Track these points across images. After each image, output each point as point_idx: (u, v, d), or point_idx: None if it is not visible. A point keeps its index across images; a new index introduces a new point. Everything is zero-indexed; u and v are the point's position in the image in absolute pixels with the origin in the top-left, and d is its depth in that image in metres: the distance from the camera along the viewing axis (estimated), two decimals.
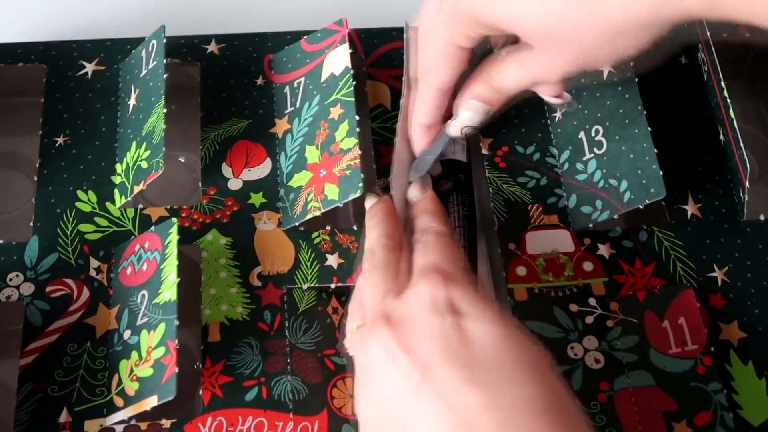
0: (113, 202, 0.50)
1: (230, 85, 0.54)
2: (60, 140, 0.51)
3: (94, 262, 0.48)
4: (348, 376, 0.46)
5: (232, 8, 0.60)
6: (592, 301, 0.48)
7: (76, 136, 0.52)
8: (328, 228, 0.50)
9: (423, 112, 0.47)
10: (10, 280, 0.47)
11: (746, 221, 0.51)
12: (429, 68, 0.46)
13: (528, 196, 0.51)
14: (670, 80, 0.56)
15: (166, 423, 0.44)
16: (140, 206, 0.50)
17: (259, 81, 0.54)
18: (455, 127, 0.47)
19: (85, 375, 0.44)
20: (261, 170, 0.51)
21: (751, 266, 0.50)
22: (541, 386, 0.35)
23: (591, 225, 0.50)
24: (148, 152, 0.48)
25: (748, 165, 0.48)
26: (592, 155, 0.51)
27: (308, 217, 0.48)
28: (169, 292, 0.43)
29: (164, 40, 0.50)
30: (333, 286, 0.48)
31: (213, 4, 0.61)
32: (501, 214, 0.51)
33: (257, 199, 0.50)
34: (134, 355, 0.44)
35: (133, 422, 0.43)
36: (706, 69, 0.54)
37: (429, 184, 0.50)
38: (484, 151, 0.53)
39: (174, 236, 0.45)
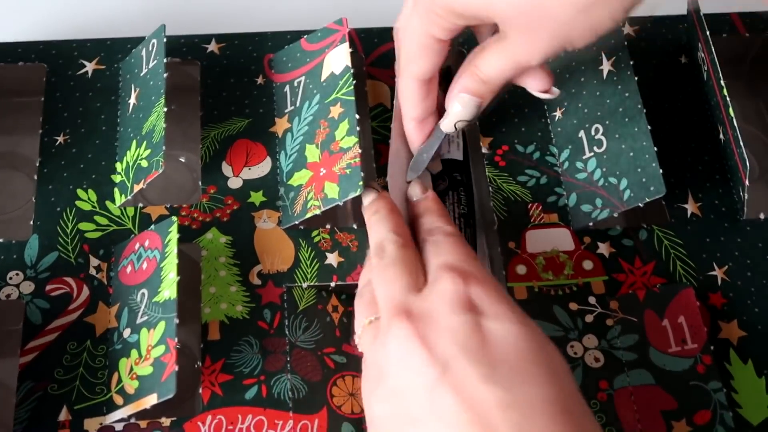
0: (113, 200, 0.50)
1: (230, 85, 0.54)
2: (60, 139, 0.51)
3: (94, 261, 0.48)
4: (348, 374, 0.46)
5: (233, 8, 0.60)
6: (591, 300, 0.48)
7: (76, 135, 0.52)
8: (327, 226, 0.50)
9: (410, 105, 0.47)
10: (10, 278, 0.47)
11: (746, 220, 0.51)
12: (407, 61, 0.46)
13: (528, 194, 0.51)
14: (670, 79, 0.56)
15: (165, 421, 0.44)
16: (140, 205, 0.50)
17: (259, 80, 0.54)
18: (448, 123, 0.46)
19: (84, 373, 0.45)
20: (261, 169, 0.51)
21: (751, 265, 0.50)
22: (558, 387, 0.36)
23: (591, 223, 0.50)
24: (149, 151, 0.48)
25: (747, 164, 0.48)
26: (592, 154, 0.51)
27: (308, 215, 0.48)
28: (168, 290, 0.43)
29: (164, 40, 0.50)
30: (333, 284, 0.48)
31: (213, 3, 0.61)
32: (501, 212, 0.51)
33: (257, 197, 0.50)
34: (134, 353, 0.44)
35: (132, 421, 0.43)
36: (705, 68, 0.54)
37: (429, 183, 0.50)
38: (484, 150, 0.53)
39: (174, 235, 0.45)
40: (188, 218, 0.49)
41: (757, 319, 0.48)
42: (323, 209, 0.47)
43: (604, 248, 0.50)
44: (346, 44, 0.51)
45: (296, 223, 0.49)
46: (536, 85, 0.45)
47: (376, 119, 0.54)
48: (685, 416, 0.45)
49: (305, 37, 0.54)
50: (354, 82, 0.49)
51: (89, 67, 0.54)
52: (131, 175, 0.49)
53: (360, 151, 0.47)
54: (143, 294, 0.45)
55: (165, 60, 0.50)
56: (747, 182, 0.49)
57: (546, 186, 0.52)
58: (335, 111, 0.49)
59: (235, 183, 0.51)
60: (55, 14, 0.61)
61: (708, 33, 0.51)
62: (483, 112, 0.46)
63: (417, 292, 0.40)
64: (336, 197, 0.47)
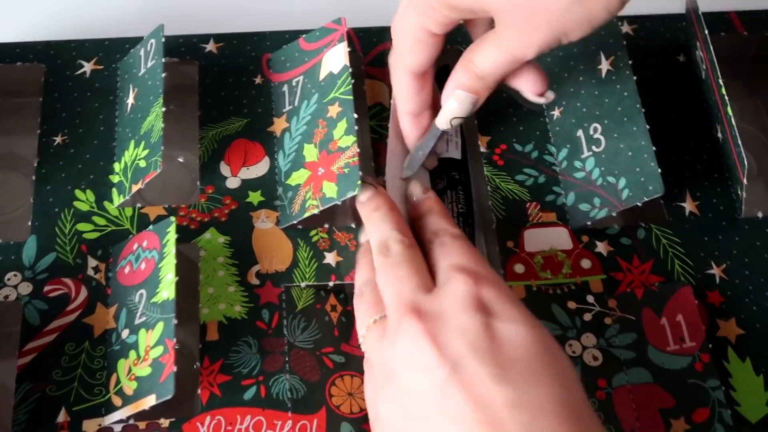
0: (111, 201, 0.50)
1: (228, 84, 0.54)
2: (58, 139, 0.51)
3: (92, 262, 0.48)
4: (346, 373, 0.46)
5: (231, 7, 0.60)
6: (590, 299, 0.48)
7: (74, 136, 0.52)
8: (326, 226, 0.50)
9: (404, 99, 0.47)
10: (8, 279, 0.47)
11: (744, 218, 0.51)
12: (401, 54, 0.46)
13: (526, 193, 0.51)
14: (668, 78, 0.56)
15: (164, 422, 0.44)
16: (138, 205, 0.50)
17: (258, 80, 0.54)
18: (443, 119, 0.46)
19: (83, 374, 0.45)
20: (259, 169, 0.51)
21: (748, 263, 0.50)
22: (566, 390, 0.36)
23: (589, 222, 0.50)
24: (147, 151, 0.48)
25: (746, 162, 0.48)
26: (590, 153, 0.51)
27: (306, 215, 0.48)
28: (167, 291, 0.43)
29: (163, 40, 0.50)
30: (331, 284, 0.48)
31: (211, 3, 0.61)
32: (499, 211, 0.51)
33: (255, 197, 0.50)
34: (132, 354, 0.44)
35: (131, 422, 0.43)
36: (704, 67, 0.54)
37: (428, 182, 0.50)
38: (482, 149, 0.53)
39: (172, 235, 0.45)
40: (186, 218, 0.49)
41: (755, 317, 0.48)
42: (321, 209, 0.47)
43: (602, 247, 0.50)
44: (344, 43, 0.51)
45: (294, 222, 0.49)
46: (531, 88, 0.45)
47: (374, 118, 0.54)
48: (683, 414, 0.45)
49: (303, 36, 0.54)
50: (352, 81, 0.49)
51: (87, 67, 0.54)
52: (129, 176, 0.49)
53: (358, 150, 0.47)
54: (141, 295, 0.45)
55: (163, 60, 0.50)
56: (745, 181, 0.49)
57: (544, 185, 0.52)
58: (333, 110, 0.49)
59: (233, 183, 0.51)
60: (53, 14, 0.61)
61: (706, 31, 0.51)
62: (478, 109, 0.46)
63: (427, 292, 0.40)
64: (334, 196, 0.47)
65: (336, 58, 0.51)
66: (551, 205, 0.51)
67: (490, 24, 0.43)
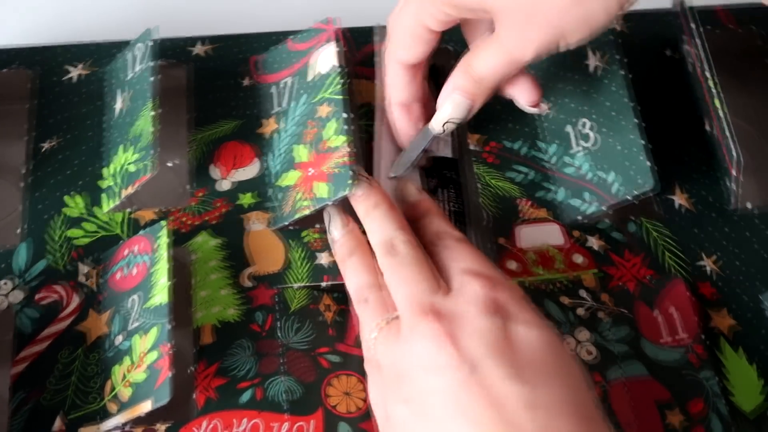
0: (101, 206, 0.49)
1: (217, 87, 0.54)
2: (47, 145, 0.51)
3: (83, 268, 0.47)
4: (342, 373, 0.46)
5: (218, 10, 0.60)
6: (583, 294, 0.49)
7: (63, 141, 0.51)
8: (318, 226, 0.50)
9: (395, 89, 0.48)
10: (0, 288, 0.47)
11: (734, 210, 0.52)
12: (395, 46, 0.46)
13: (517, 190, 0.52)
14: (656, 72, 0.56)
15: (161, 428, 0.43)
16: (129, 210, 0.49)
17: (246, 82, 0.54)
18: (437, 122, 0.47)
19: (77, 382, 0.44)
20: (250, 171, 0.51)
21: (739, 254, 0.50)
22: (579, 392, 0.37)
23: (580, 218, 0.50)
24: (137, 155, 0.48)
25: (734, 155, 0.48)
26: (580, 148, 0.51)
27: (298, 216, 0.48)
28: (160, 295, 0.43)
29: (151, 43, 0.50)
30: (324, 284, 0.48)
31: (198, 6, 0.61)
32: (490, 209, 0.51)
33: (246, 199, 0.50)
34: (127, 360, 0.43)
35: (127, 428, 0.43)
36: (691, 60, 0.54)
37: (418, 181, 0.50)
38: (472, 147, 0.53)
39: (164, 239, 0.45)
40: (178, 222, 0.49)
41: (747, 308, 0.49)
42: (313, 209, 0.47)
43: (594, 242, 0.50)
44: (333, 44, 0.51)
45: (286, 223, 0.49)
46: (525, 97, 0.46)
47: (363, 118, 0.54)
48: (679, 406, 0.45)
49: (291, 37, 0.54)
50: (341, 81, 0.49)
51: (74, 72, 0.54)
52: (119, 181, 0.49)
53: (349, 150, 0.47)
54: (135, 300, 0.45)
55: (152, 63, 0.49)
56: (734, 173, 0.49)
57: (535, 181, 0.52)
58: (323, 111, 0.49)
59: (224, 185, 0.51)
60: (39, 19, 0.60)
61: (693, 26, 0.51)
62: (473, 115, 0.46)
63: (442, 295, 0.40)
64: (326, 197, 0.47)
65: (325, 59, 0.51)
66: (543, 202, 0.51)
67: (488, 30, 0.44)
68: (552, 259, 0.49)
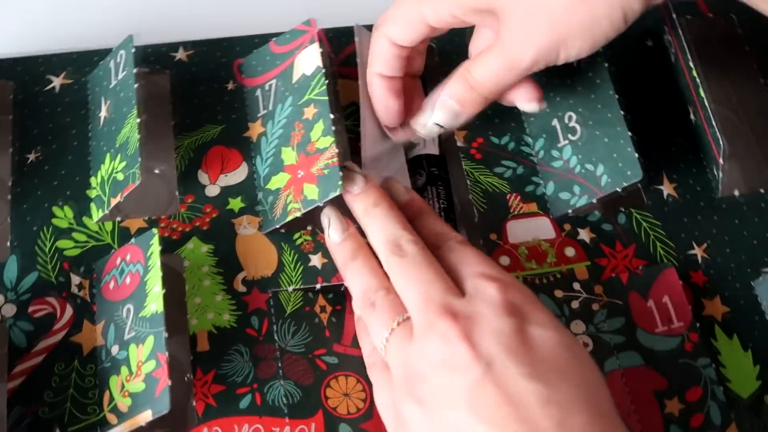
0: (90, 216, 0.49)
1: (201, 92, 0.53)
2: (32, 157, 0.50)
3: (75, 279, 0.47)
4: (341, 374, 0.46)
5: (198, 14, 0.60)
6: (576, 286, 0.49)
7: (48, 152, 0.51)
8: (309, 228, 0.49)
9: (377, 60, 0.48)
10: None
11: (721, 198, 0.52)
12: (387, 23, 0.46)
13: (506, 185, 0.52)
14: (638, 64, 0.57)
15: None
16: (118, 219, 0.49)
17: (230, 86, 0.54)
18: (422, 122, 0.47)
19: (75, 394, 0.44)
20: (238, 175, 0.51)
21: (729, 241, 0.51)
22: (594, 390, 0.37)
23: (570, 211, 0.50)
24: (124, 163, 0.48)
25: (721, 143, 0.49)
26: (567, 141, 0.52)
27: (288, 218, 0.48)
28: (155, 304, 0.43)
29: (133, 50, 0.50)
30: (318, 285, 0.48)
31: (178, 11, 0.60)
32: (480, 205, 0.51)
33: (236, 204, 0.50)
34: (124, 370, 0.43)
35: None
36: (673, 50, 0.54)
37: (407, 179, 0.50)
38: (460, 144, 0.53)
39: (156, 247, 0.44)
40: (168, 229, 0.49)
41: (739, 294, 0.49)
42: (303, 211, 0.47)
43: (584, 234, 0.50)
44: (316, 44, 0.50)
45: (277, 227, 0.48)
46: (525, 96, 0.46)
47: (349, 118, 0.54)
48: (677, 394, 0.46)
49: (274, 39, 0.54)
50: (326, 81, 0.49)
51: (56, 81, 0.53)
52: (107, 189, 0.48)
53: (337, 150, 0.47)
54: (129, 309, 0.44)
55: (134, 70, 0.49)
56: (721, 161, 0.50)
57: (523, 176, 0.52)
58: (309, 112, 0.49)
59: (212, 191, 0.50)
60: (19, 30, 0.59)
61: (674, 15, 0.52)
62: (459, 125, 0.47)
63: (455, 295, 0.40)
64: (316, 198, 0.46)
65: (308, 60, 0.51)
66: (532, 196, 0.51)
67: (491, 41, 0.44)
68: (544, 253, 0.50)
